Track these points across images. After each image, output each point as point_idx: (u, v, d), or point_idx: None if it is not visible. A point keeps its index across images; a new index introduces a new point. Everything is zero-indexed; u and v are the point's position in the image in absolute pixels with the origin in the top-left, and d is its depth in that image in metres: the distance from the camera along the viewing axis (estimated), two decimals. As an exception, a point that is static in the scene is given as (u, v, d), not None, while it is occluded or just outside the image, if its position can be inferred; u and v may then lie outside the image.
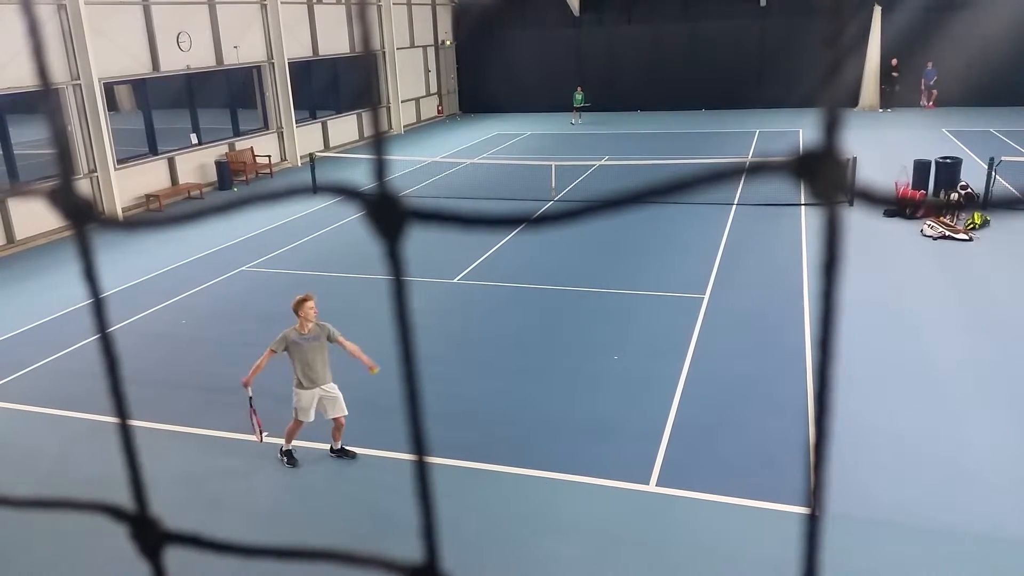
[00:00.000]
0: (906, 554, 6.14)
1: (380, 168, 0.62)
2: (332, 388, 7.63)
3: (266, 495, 7.35)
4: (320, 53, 26.53)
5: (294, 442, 7.82)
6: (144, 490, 0.72)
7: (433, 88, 34.82)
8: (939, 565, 6.03)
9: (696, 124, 29.07)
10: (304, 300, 7.46)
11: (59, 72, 17.03)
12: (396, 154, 24.38)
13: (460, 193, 19.06)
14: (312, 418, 7.60)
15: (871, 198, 0.57)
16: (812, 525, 0.61)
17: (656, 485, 7.16)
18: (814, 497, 0.60)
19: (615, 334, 10.46)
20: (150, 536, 0.70)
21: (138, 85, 20.10)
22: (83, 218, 0.66)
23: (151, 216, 18.77)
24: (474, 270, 13.39)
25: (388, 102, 30.88)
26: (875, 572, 5.94)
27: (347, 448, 7.87)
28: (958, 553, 6.14)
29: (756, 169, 0.55)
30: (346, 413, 7.68)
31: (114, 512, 0.71)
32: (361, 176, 17.35)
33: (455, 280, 12.95)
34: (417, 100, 33.27)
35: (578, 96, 30.81)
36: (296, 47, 24.95)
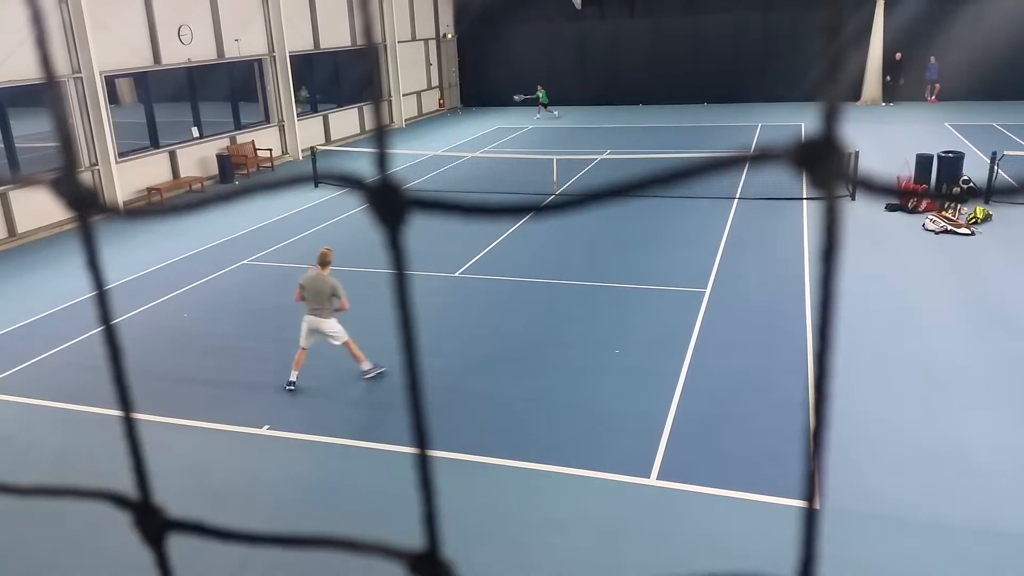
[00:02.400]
0: (906, 548, 6.16)
1: (382, 161, 0.62)
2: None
3: (268, 487, 7.37)
4: (321, 46, 26.50)
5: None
6: (147, 478, 0.72)
7: (435, 81, 34.78)
8: (939, 559, 6.04)
9: (698, 118, 29.04)
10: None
11: (60, 65, 17.02)
12: (397, 148, 24.37)
13: (462, 187, 19.05)
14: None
15: (872, 189, 0.57)
16: (809, 513, 0.62)
17: (657, 479, 7.18)
18: (811, 484, 0.60)
19: (617, 328, 10.47)
20: (153, 524, 0.71)
21: (139, 78, 20.09)
22: (86, 207, 0.66)
23: (154, 206, 18.85)
24: (476, 264, 13.40)
25: (389, 95, 30.84)
26: (876, 566, 5.96)
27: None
28: (958, 547, 6.15)
29: (758, 158, 0.55)
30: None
31: (117, 500, 0.72)
32: (363, 169, 17.35)
33: (457, 274, 12.96)
34: (418, 93, 33.23)
35: (540, 93, 31.28)
36: (297, 40, 24.92)
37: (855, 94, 30.16)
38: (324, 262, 8.96)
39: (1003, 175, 15.85)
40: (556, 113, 30.98)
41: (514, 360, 9.70)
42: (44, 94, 0.69)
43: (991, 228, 14.08)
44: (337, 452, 7.88)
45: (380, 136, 0.63)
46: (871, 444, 7.51)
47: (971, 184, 15.77)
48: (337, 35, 27.17)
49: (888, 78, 29.73)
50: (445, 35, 35.16)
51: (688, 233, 14.67)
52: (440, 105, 35.10)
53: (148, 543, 0.72)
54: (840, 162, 0.54)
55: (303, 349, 9.05)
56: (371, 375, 9.10)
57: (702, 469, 7.26)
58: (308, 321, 8.96)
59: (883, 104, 29.73)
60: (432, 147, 24.68)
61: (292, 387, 9.00)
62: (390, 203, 0.60)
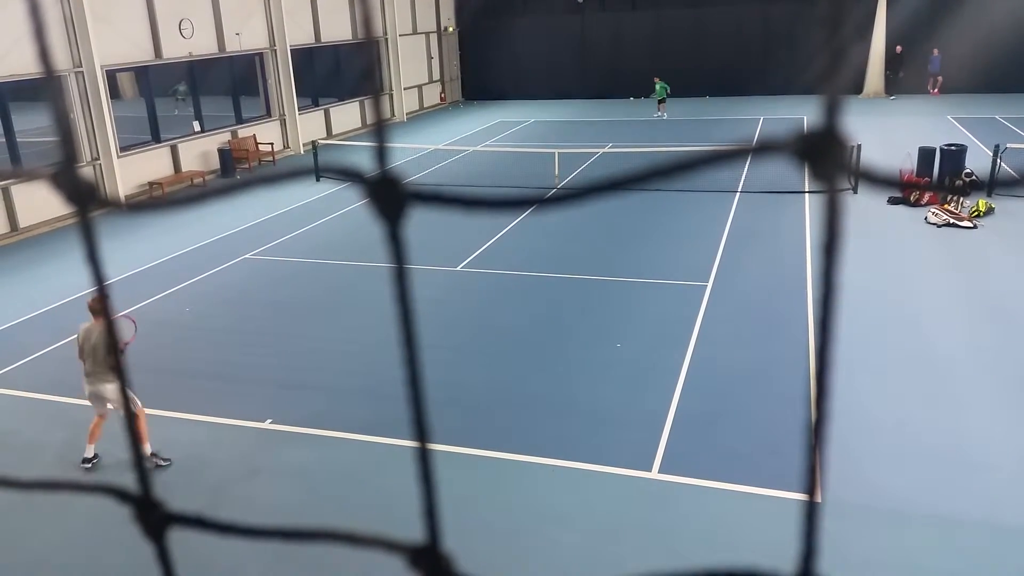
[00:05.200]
0: (907, 541, 6.16)
1: (381, 155, 0.62)
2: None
3: (270, 481, 7.39)
4: (322, 40, 26.45)
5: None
6: (147, 473, 0.72)
7: (436, 75, 34.71)
8: (940, 553, 6.05)
9: (700, 111, 28.97)
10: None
11: (61, 59, 17.00)
12: (398, 142, 24.35)
13: (463, 181, 19.04)
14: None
15: (875, 182, 0.57)
16: (810, 507, 0.62)
17: (658, 472, 7.18)
18: (812, 478, 0.60)
19: (618, 322, 10.47)
20: (153, 518, 0.71)
21: (140, 72, 20.07)
22: (85, 202, 0.66)
23: (155, 199, 18.84)
24: (477, 258, 13.39)
25: (391, 89, 30.79)
26: (876, 560, 5.96)
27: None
28: (959, 541, 6.15)
29: (759, 151, 0.55)
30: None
31: (118, 494, 0.72)
32: (363, 163, 17.34)
33: (458, 268, 12.96)
34: (420, 87, 33.17)
35: (658, 86, 27.74)
36: (298, 33, 24.88)
37: (857, 87, 30.08)
38: (94, 311, 7.41)
39: (1006, 168, 15.81)
40: (661, 114, 27.96)
41: (515, 354, 9.71)
42: (43, 88, 0.69)
43: (993, 221, 14.05)
44: (339, 446, 7.89)
45: (380, 130, 0.63)
46: (872, 438, 7.51)
47: (974, 177, 15.74)
48: (338, 28, 27.11)
49: (889, 72, 29.62)
50: (447, 28, 35.08)
51: (690, 227, 14.66)
52: (441, 99, 35.04)
53: (149, 537, 0.72)
54: (842, 155, 0.53)
55: (99, 416, 7.63)
56: (159, 462, 7.60)
57: (703, 462, 7.27)
58: (87, 388, 7.48)
59: (886, 97, 29.64)
60: (433, 141, 24.64)
61: (89, 464, 7.63)
62: (390, 197, 0.60)
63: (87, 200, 0.66)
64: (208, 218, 16.30)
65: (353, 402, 8.69)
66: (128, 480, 0.75)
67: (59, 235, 16.05)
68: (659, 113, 28.03)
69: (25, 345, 10.60)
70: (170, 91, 22.11)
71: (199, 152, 21.31)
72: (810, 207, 15.45)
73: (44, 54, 0.64)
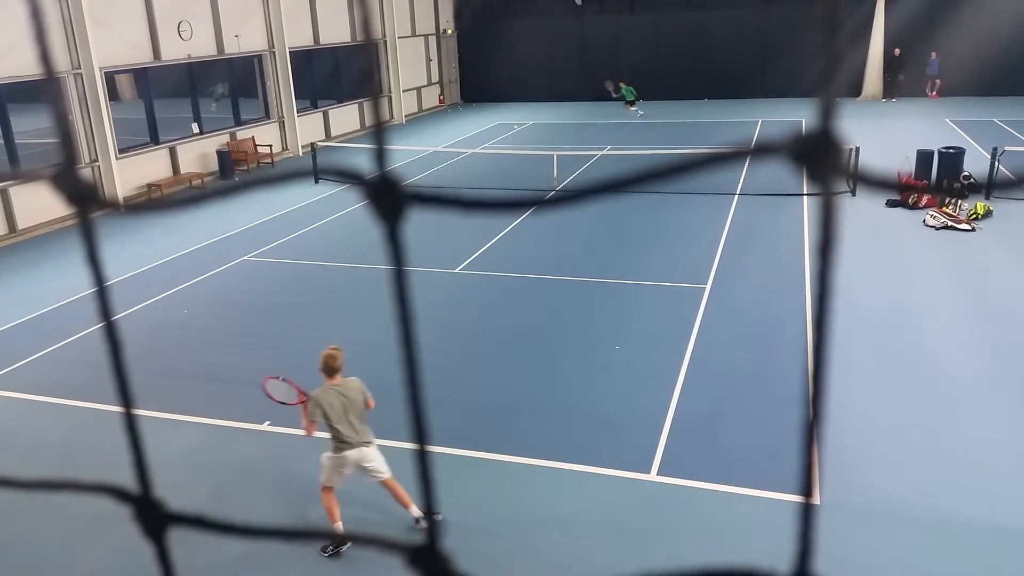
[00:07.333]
0: (904, 542, 6.16)
1: (380, 157, 0.62)
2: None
3: (269, 482, 7.38)
4: (321, 42, 26.46)
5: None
6: (147, 472, 0.73)
7: (435, 77, 34.72)
8: (937, 553, 6.05)
9: (699, 114, 28.99)
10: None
11: (60, 61, 17.00)
12: (397, 144, 24.35)
13: (462, 183, 19.04)
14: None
15: (873, 185, 0.57)
16: (806, 508, 0.62)
17: (657, 474, 7.18)
18: (808, 478, 0.61)
19: (617, 324, 10.47)
20: (153, 517, 0.71)
21: (139, 74, 20.07)
22: (86, 203, 0.67)
23: (154, 201, 18.84)
24: (476, 260, 13.39)
25: (389, 91, 30.80)
26: (875, 562, 5.96)
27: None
28: (956, 542, 6.16)
29: (756, 153, 0.55)
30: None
31: (118, 494, 0.72)
32: (363, 165, 17.33)
33: (456, 270, 12.96)
34: (419, 89, 33.18)
35: (625, 90, 28.87)
36: (297, 36, 24.88)
37: (856, 90, 30.11)
38: (334, 367, 6.47)
39: (1003, 170, 15.83)
40: (639, 111, 28.77)
41: (514, 356, 9.70)
42: (44, 90, 0.69)
43: (992, 224, 14.07)
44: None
45: (379, 132, 0.63)
46: (870, 439, 7.52)
47: (972, 180, 15.76)
48: (337, 31, 27.12)
49: (887, 75, 29.64)
50: (445, 31, 35.10)
51: (688, 229, 14.66)
52: (440, 101, 35.05)
53: (149, 537, 0.73)
54: (838, 157, 0.54)
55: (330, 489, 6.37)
56: (421, 523, 6.22)
57: (702, 465, 7.27)
58: (348, 456, 6.30)
59: (883, 100, 29.68)
60: (432, 143, 24.65)
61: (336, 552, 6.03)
62: (389, 198, 0.60)
63: (87, 201, 0.67)
64: (207, 220, 16.30)
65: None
66: (127, 480, 0.75)
67: (58, 236, 16.04)
68: (635, 110, 28.96)
69: (24, 346, 10.59)
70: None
71: (198, 154, 21.31)
72: (808, 209, 15.47)
73: (44, 56, 0.64)
